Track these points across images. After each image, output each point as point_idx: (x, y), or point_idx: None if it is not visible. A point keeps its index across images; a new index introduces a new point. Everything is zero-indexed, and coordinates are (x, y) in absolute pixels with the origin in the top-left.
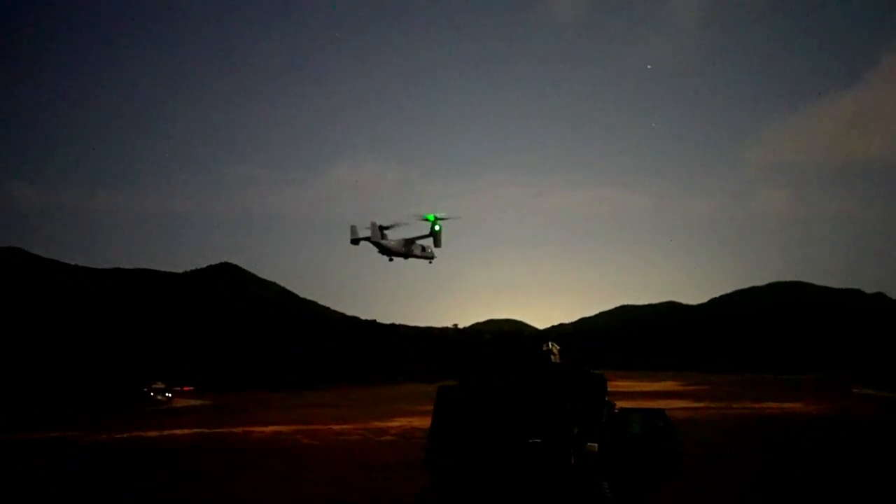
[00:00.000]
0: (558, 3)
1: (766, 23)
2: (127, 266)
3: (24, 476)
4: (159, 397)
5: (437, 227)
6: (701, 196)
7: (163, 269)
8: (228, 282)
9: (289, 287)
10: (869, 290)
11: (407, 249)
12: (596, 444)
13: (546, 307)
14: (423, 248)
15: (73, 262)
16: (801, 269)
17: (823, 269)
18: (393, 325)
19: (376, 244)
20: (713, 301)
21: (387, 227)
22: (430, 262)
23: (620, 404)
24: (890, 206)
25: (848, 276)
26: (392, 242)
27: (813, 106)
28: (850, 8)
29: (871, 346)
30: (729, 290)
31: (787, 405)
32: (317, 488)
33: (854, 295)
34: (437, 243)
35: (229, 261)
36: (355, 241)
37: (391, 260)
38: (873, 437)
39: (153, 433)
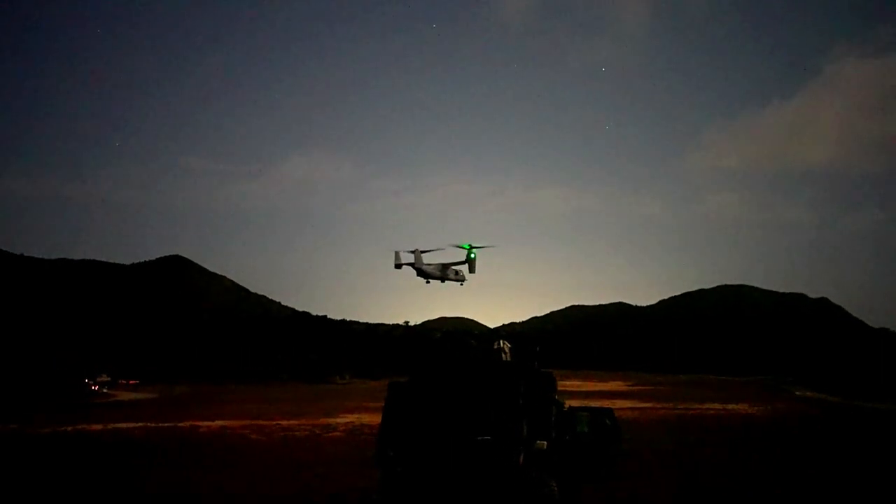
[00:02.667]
0: (509, 3)
1: (714, 29)
2: (73, 257)
3: None
4: (104, 390)
5: (472, 255)
6: (651, 198)
7: (110, 260)
8: (178, 275)
9: (239, 281)
10: (813, 294)
11: (443, 274)
12: (545, 443)
13: (497, 306)
14: (457, 273)
15: (17, 252)
16: (747, 272)
17: (769, 273)
18: (344, 321)
19: (418, 269)
20: (662, 303)
21: (424, 251)
22: (462, 285)
23: (569, 403)
24: (832, 212)
25: (793, 281)
26: (431, 267)
27: (758, 113)
28: (795, 17)
29: (813, 349)
30: (677, 292)
31: (729, 406)
32: (262, 484)
33: (798, 299)
34: (471, 269)
35: (179, 253)
36: (398, 266)
37: (428, 282)
38: (802, 436)
39: (97, 427)
